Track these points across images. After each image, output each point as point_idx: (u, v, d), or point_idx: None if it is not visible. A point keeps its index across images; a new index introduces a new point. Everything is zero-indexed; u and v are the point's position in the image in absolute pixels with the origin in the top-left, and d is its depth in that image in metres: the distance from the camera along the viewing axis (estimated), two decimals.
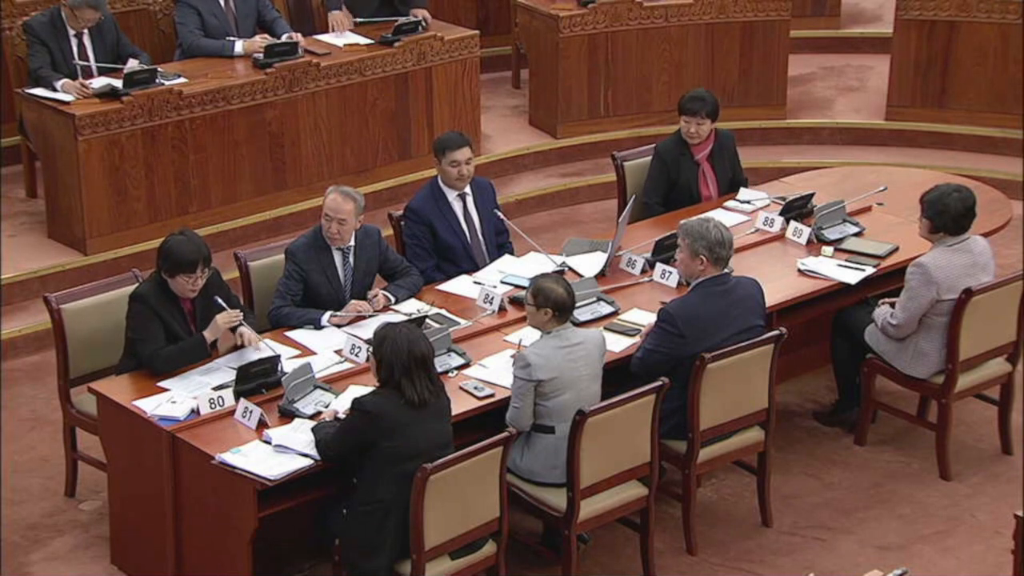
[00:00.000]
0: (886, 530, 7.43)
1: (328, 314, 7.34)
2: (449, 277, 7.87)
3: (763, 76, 11.21)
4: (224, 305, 7.04)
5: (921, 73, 11.11)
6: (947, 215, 7.55)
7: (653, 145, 8.87)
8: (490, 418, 6.77)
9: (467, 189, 8.07)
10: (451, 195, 8.03)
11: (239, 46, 9.81)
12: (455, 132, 8.30)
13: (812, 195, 8.56)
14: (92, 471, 7.44)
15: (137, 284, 7.21)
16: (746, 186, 8.87)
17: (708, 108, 8.61)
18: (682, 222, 7.33)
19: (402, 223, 8.08)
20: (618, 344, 7.22)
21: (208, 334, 6.97)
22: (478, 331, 7.36)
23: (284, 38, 9.90)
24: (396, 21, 10.33)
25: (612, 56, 10.96)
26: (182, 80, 9.46)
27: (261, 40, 9.81)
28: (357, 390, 6.63)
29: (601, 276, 7.81)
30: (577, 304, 7.03)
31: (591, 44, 10.91)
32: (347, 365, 7.03)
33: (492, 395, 6.84)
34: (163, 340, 6.93)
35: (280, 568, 6.95)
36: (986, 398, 8.06)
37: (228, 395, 6.68)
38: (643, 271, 7.87)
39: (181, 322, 7.04)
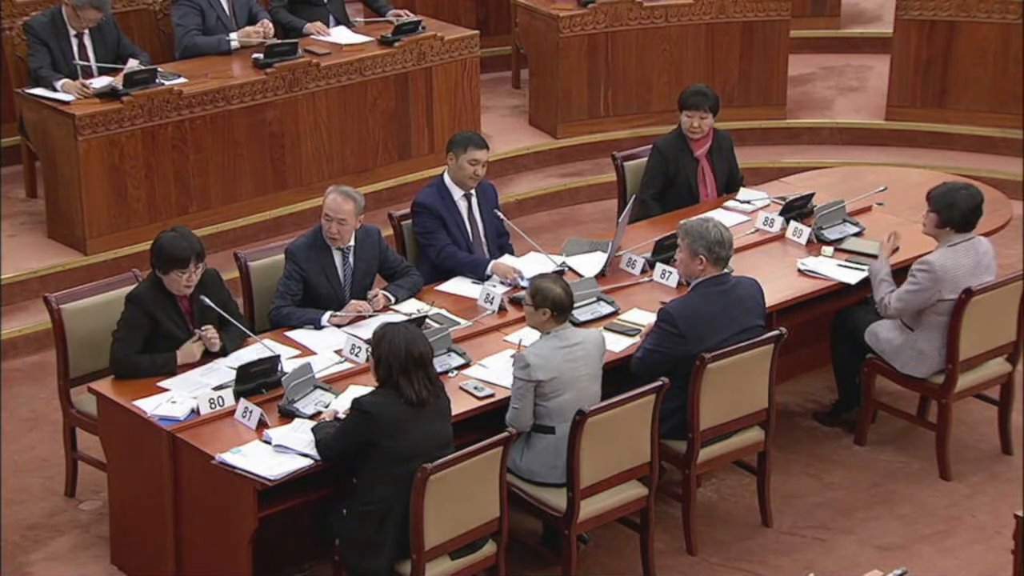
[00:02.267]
0: (886, 530, 7.43)
1: (328, 314, 7.34)
2: (449, 277, 7.87)
3: (763, 76, 11.21)
4: (212, 305, 7.02)
5: (921, 73, 11.11)
6: (956, 210, 7.53)
7: (652, 145, 8.89)
8: (490, 418, 6.77)
9: (471, 190, 8.07)
10: (457, 194, 8.03)
11: (234, 41, 9.81)
12: (477, 134, 8.27)
13: (812, 195, 8.56)
14: (92, 471, 7.44)
15: (135, 284, 7.21)
16: (743, 185, 8.88)
17: (710, 102, 8.64)
18: (682, 222, 7.33)
19: (403, 222, 8.07)
20: (618, 344, 7.22)
21: (181, 357, 6.95)
22: (478, 331, 7.36)
23: (259, 25, 9.93)
24: (394, 21, 10.34)
25: (612, 56, 10.97)
26: (182, 80, 9.46)
27: (255, 30, 9.80)
28: (357, 390, 6.63)
29: (601, 276, 7.81)
30: (577, 304, 7.03)
31: (591, 44, 10.91)
32: (347, 365, 7.03)
33: (492, 395, 6.84)
34: (140, 346, 6.92)
35: (280, 568, 6.95)
36: (986, 398, 8.06)
37: (228, 395, 6.68)
38: (643, 271, 7.87)
39: (179, 322, 7.03)
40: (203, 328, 7.01)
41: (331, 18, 10.45)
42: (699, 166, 8.72)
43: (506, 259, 7.96)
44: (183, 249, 6.90)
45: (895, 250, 7.91)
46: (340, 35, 10.30)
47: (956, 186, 7.63)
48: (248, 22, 10.15)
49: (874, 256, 7.97)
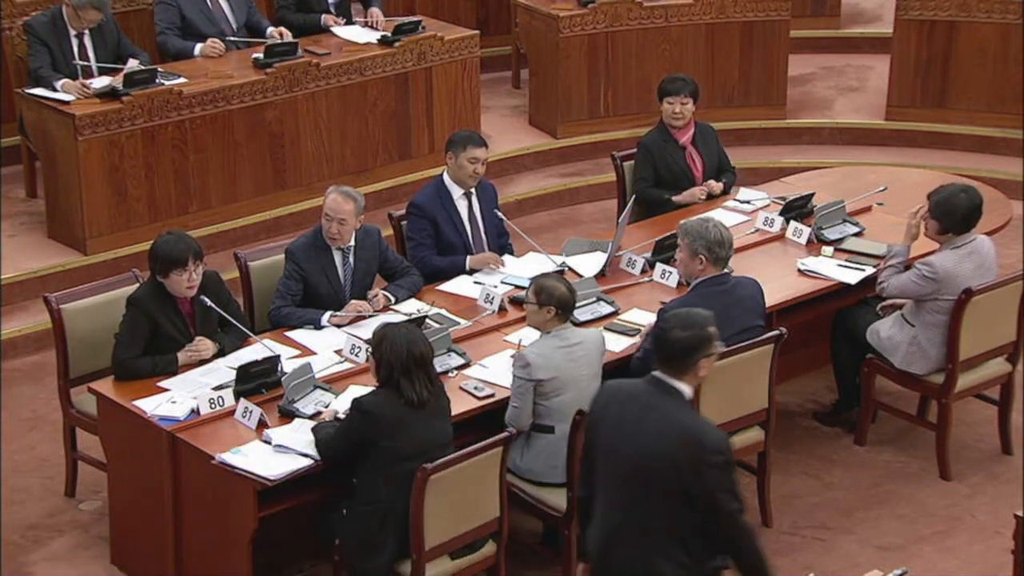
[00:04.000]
0: (886, 530, 7.43)
1: (328, 314, 7.34)
2: (449, 277, 7.87)
3: (763, 76, 11.21)
4: (213, 306, 7.02)
5: (921, 73, 11.11)
6: (956, 215, 7.53)
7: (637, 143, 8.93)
8: (490, 418, 6.77)
9: (472, 189, 8.07)
10: (456, 193, 8.03)
11: (197, 49, 9.84)
12: (476, 132, 8.29)
13: (812, 195, 8.56)
14: (92, 471, 7.44)
15: (137, 286, 7.20)
16: (732, 172, 8.89)
17: (690, 88, 8.72)
18: (682, 222, 7.33)
19: (402, 222, 8.09)
20: (618, 344, 7.22)
21: (183, 359, 6.97)
22: (478, 331, 7.35)
23: (270, 32, 9.98)
24: (396, 22, 10.35)
25: (612, 56, 10.97)
26: (182, 80, 9.46)
27: (212, 44, 9.81)
28: (357, 390, 6.63)
29: (601, 276, 7.82)
30: (577, 304, 7.02)
31: (591, 44, 10.91)
32: (347, 365, 7.03)
33: (492, 395, 6.84)
34: (141, 349, 6.93)
35: (280, 568, 6.95)
36: (986, 398, 8.06)
37: (228, 395, 6.68)
38: (643, 271, 7.87)
39: (180, 325, 7.01)
40: (197, 340, 7.01)
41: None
42: (686, 152, 8.74)
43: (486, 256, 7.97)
44: (180, 250, 6.90)
45: (915, 236, 7.83)
46: (353, 32, 10.32)
47: (955, 191, 7.59)
48: (247, 25, 10.16)
49: (873, 256, 7.98)
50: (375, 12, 10.46)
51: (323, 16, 10.36)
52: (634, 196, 8.56)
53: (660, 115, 8.85)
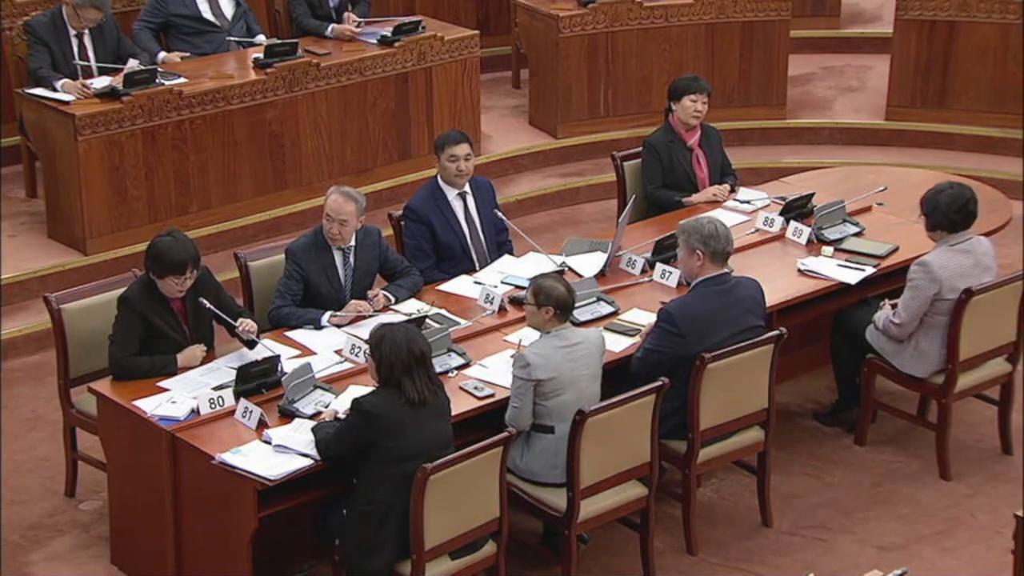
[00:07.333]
0: (886, 530, 7.43)
1: (328, 314, 7.34)
2: (449, 277, 7.87)
3: (763, 76, 11.21)
4: (210, 306, 7.02)
5: (921, 73, 11.11)
6: (938, 212, 7.55)
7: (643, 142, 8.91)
8: (490, 418, 6.77)
9: (467, 188, 8.08)
10: (451, 194, 8.04)
11: (162, 55, 9.87)
12: (456, 130, 8.32)
13: (812, 195, 8.56)
14: (92, 471, 7.44)
15: (128, 286, 7.19)
16: (734, 175, 8.90)
17: (708, 87, 8.72)
18: (680, 222, 7.35)
19: (402, 223, 8.10)
20: (618, 344, 7.22)
21: (182, 360, 6.97)
22: (478, 331, 7.36)
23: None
24: (396, 22, 10.35)
25: (612, 56, 10.97)
26: (182, 80, 9.46)
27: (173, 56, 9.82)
28: (357, 390, 6.63)
29: (601, 276, 7.82)
30: (577, 304, 7.03)
31: (591, 44, 10.91)
32: (347, 365, 7.03)
33: (492, 395, 6.84)
34: (136, 348, 6.92)
35: (280, 568, 6.95)
36: (986, 398, 8.06)
37: (228, 395, 6.68)
38: (643, 271, 7.87)
39: (173, 323, 7.01)
40: (240, 322, 7.02)
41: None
42: (693, 154, 8.75)
43: (496, 266, 7.93)
44: (179, 255, 6.88)
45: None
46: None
47: (942, 187, 7.62)
48: (243, 29, 10.18)
49: (873, 256, 7.99)
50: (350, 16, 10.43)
51: (331, 26, 10.32)
52: (634, 196, 8.56)
53: (662, 115, 8.84)
